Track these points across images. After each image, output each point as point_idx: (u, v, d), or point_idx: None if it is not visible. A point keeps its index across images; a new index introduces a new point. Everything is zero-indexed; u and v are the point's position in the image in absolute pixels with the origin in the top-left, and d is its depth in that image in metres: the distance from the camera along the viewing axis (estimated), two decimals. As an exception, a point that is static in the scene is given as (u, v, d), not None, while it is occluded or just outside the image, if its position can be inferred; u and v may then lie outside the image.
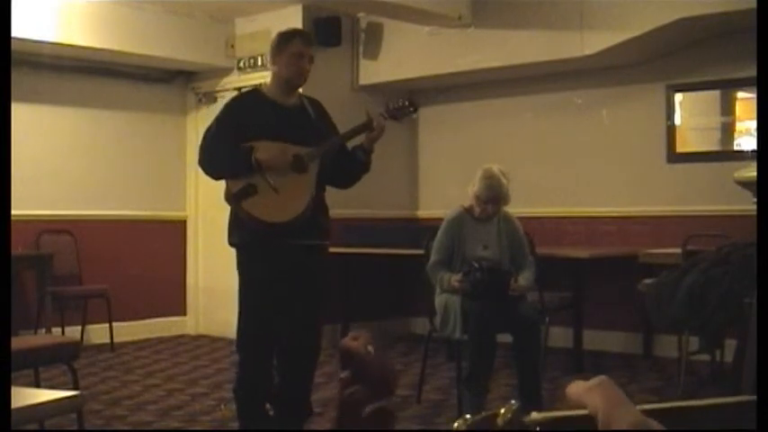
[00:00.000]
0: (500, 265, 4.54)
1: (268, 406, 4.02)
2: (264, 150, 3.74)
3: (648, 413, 0.64)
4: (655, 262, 5.65)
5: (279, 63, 3.90)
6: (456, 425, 0.64)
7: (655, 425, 0.62)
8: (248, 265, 3.89)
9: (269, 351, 3.95)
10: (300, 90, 4.06)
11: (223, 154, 3.80)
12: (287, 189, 3.77)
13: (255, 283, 3.88)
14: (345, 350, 0.85)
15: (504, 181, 4.53)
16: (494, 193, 4.50)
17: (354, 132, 3.98)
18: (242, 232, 3.85)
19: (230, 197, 3.79)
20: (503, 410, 0.63)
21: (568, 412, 0.65)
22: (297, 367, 3.98)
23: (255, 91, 4.02)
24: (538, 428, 0.63)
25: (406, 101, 4.08)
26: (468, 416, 0.64)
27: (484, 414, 0.63)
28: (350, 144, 4.06)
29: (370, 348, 0.86)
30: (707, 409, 0.66)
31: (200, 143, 3.92)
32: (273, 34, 4.01)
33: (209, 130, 3.90)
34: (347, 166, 4.00)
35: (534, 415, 0.63)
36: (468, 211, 4.65)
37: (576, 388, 0.66)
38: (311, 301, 3.98)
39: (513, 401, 0.64)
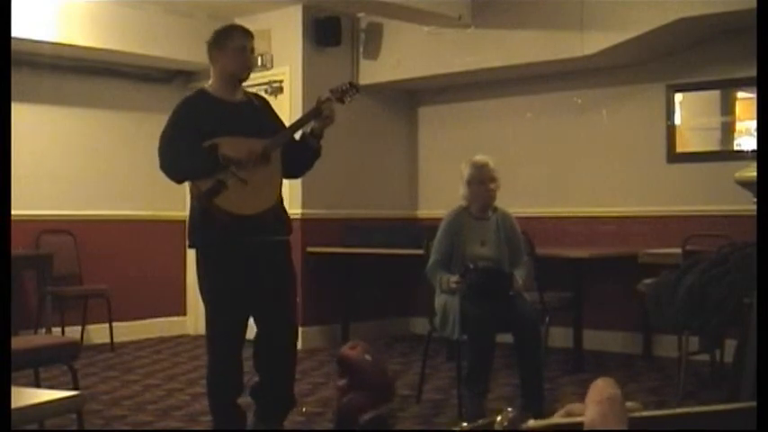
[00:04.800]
0: (498, 263, 4.56)
1: (250, 401, 4.06)
2: (227, 145, 3.78)
3: (647, 420, 0.64)
4: (655, 262, 5.64)
5: (221, 59, 3.93)
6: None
7: None
8: (217, 263, 3.89)
9: (241, 347, 3.99)
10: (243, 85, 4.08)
11: (187, 155, 3.81)
12: (255, 181, 3.81)
13: (226, 281, 3.88)
14: (344, 358, 0.86)
15: (489, 161, 4.68)
16: (482, 171, 4.61)
17: (306, 119, 4.05)
18: (208, 231, 3.86)
19: (200, 196, 3.81)
20: (499, 418, 0.63)
21: (565, 420, 0.65)
22: (277, 364, 4.03)
23: (202, 91, 4.03)
24: None
25: (348, 83, 4.17)
26: (464, 424, 0.64)
27: (480, 422, 0.63)
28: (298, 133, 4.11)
29: (367, 357, 0.87)
30: (706, 416, 0.66)
31: (158, 148, 3.88)
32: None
33: (164, 134, 3.90)
34: (299, 154, 4.04)
35: (531, 423, 0.63)
36: (466, 209, 4.69)
37: (592, 392, 0.66)
38: (287, 297, 4.03)
39: (510, 409, 0.64)
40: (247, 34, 3.99)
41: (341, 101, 4.07)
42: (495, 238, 4.64)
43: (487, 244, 4.62)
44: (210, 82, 4.02)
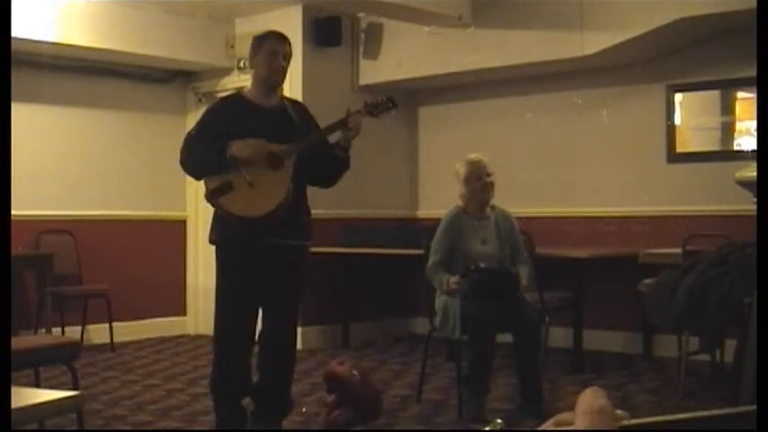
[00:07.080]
0: (501, 262, 4.56)
1: (249, 401, 4.06)
2: (239, 146, 3.78)
3: (638, 427, 0.64)
4: (655, 262, 5.64)
5: (256, 64, 3.96)
6: None
7: None
8: (226, 262, 3.95)
9: (246, 347, 4.00)
10: (283, 90, 4.15)
11: (200, 152, 3.86)
12: (262, 185, 3.80)
13: (233, 281, 3.93)
14: (332, 375, 0.86)
15: (483, 157, 4.73)
16: (477, 167, 4.65)
17: (330, 130, 4.00)
18: (222, 230, 3.92)
19: (206, 194, 3.87)
20: (487, 428, 0.62)
21: (553, 429, 0.65)
22: (278, 365, 4.04)
23: (237, 94, 4.10)
24: None
25: (385, 97, 4.13)
26: None
27: None
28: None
29: (355, 372, 0.87)
30: (704, 421, 0.66)
31: (181, 145, 3.96)
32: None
33: (189, 133, 3.99)
34: (327, 164, 4.03)
35: None
36: (463, 210, 4.69)
37: (581, 402, 0.66)
38: (291, 300, 4.04)
39: (498, 420, 0.64)
40: (281, 39, 3.96)
41: (372, 114, 4.05)
42: (495, 237, 4.64)
43: (488, 242, 4.63)
44: (249, 85, 4.09)
